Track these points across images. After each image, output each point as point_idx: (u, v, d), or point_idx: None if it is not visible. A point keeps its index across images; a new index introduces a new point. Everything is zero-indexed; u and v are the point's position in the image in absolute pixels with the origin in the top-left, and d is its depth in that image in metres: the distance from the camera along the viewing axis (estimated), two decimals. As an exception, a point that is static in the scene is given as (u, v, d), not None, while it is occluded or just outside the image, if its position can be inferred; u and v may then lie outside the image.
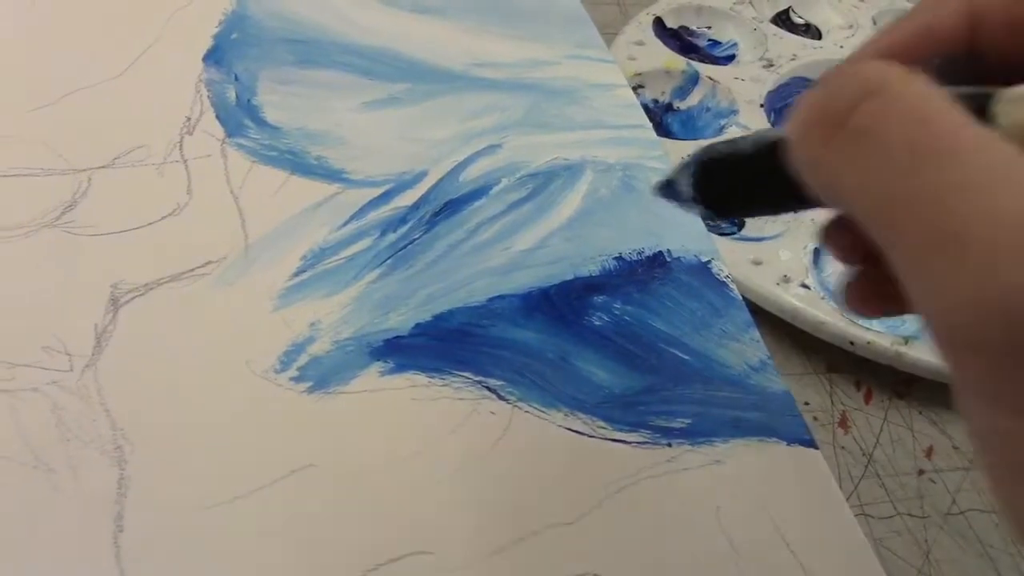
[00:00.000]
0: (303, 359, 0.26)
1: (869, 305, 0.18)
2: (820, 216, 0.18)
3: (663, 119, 0.39)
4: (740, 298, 0.30)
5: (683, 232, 0.31)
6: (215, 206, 0.29)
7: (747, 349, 0.28)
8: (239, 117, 0.32)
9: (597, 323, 0.28)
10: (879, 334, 0.29)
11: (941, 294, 0.12)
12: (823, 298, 0.30)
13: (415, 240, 0.29)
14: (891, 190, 0.13)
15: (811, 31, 0.45)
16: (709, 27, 0.44)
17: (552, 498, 0.24)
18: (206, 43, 0.35)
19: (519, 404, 0.26)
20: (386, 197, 0.30)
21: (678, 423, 0.26)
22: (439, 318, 0.27)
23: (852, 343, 0.29)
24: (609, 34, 0.41)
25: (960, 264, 0.12)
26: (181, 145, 0.31)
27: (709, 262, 0.30)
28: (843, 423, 0.29)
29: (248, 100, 0.33)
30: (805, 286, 0.31)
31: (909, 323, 0.30)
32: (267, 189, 0.30)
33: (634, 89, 0.37)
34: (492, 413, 0.25)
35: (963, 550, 0.26)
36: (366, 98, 0.34)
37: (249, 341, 0.26)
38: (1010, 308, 0.11)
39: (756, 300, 0.30)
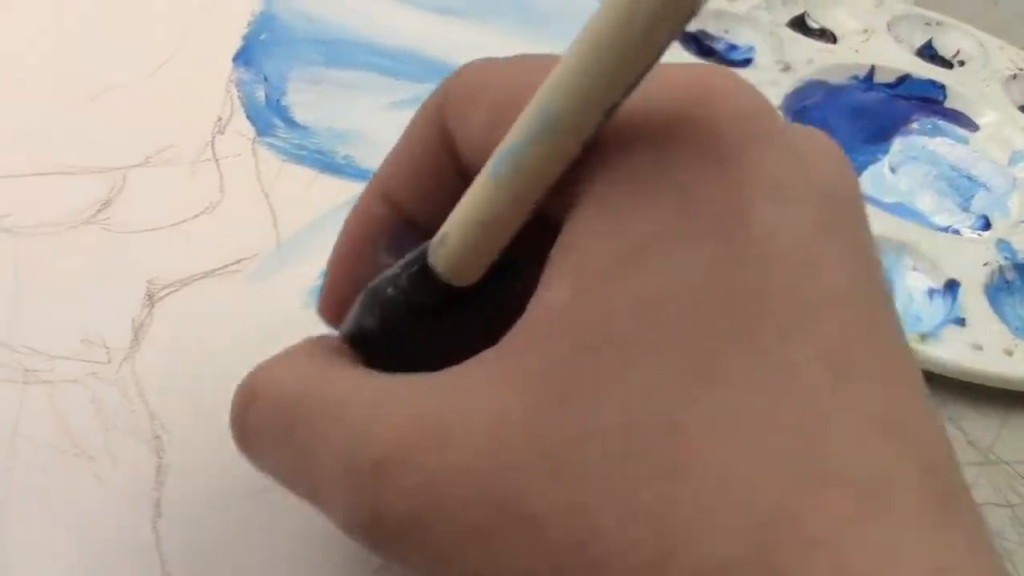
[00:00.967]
0: (334, 353, 0.26)
1: None
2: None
3: (682, 121, 0.39)
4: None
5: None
6: (246, 204, 0.30)
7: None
8: (269, 117, 0.33)
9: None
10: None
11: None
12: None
13: (441, 238, 0.30)
14: (288, 468, 0.18)
15: (826, 36, 0.45)
16: (727, 31, 0.44)
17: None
18: (235, 44, 0.36)
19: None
20: (412, 196, 0.31)
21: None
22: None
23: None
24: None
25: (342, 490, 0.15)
26: (213, 144, 0.32)
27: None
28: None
29: (277, 100, 0.34)
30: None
31: (925, 321, 0.31)
32: (297, 188, 0.31)
33: (654, 92, 0.38)
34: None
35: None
36: (392, 98, 0.35)
37: (280, 335, 0.27)
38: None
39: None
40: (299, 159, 0.32)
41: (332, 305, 0.21)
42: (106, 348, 0.26)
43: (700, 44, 0.44)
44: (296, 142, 0.32)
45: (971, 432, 0.29)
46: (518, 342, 0.15)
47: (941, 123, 0.42)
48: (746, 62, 0.43)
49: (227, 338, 0.26)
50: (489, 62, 0.18)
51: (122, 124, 0.32)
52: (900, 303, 0.32)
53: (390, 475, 0.14)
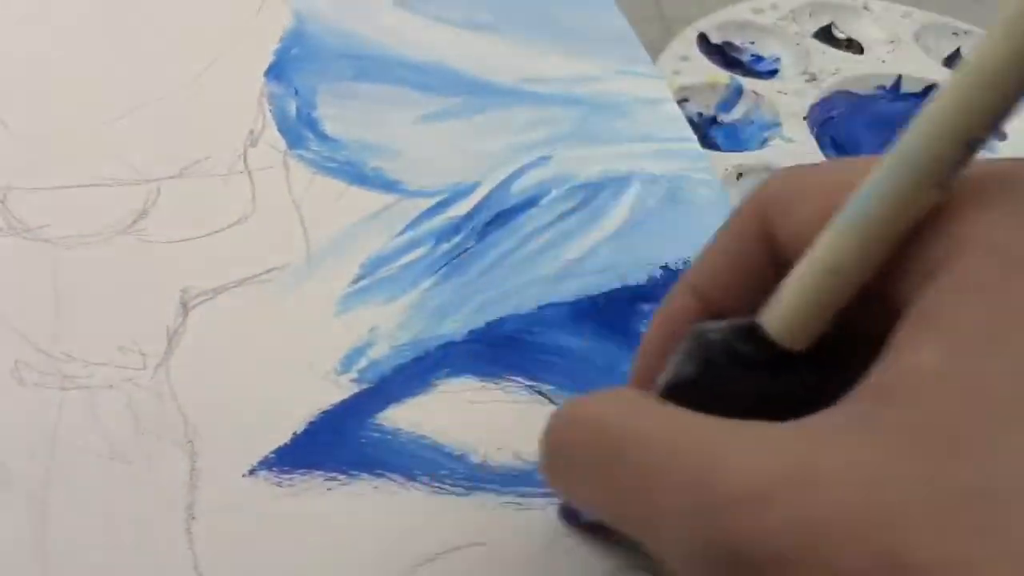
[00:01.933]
0: (363, 362, 0.27)
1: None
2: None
3: (708, 132, 0.40)
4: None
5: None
6: (278, 215, 0.31)
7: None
8: (299, 130, 0.34)
9: (645, 331, 0.29)
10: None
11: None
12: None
13: (468, 249, 0.30)
14: (609, 497, 0.17)
15: (853, 46, 0.45)
16: (752, 42, 0.45)
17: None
18: (267, 59, 0.36)
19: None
20: (440, 207, 0.32)
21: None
22: (492, 325, 0.28)
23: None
24: (653, 51, 0.41)
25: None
26: (245, 156, 0.32)
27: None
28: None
29: (308, 113, 0.34)
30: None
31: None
32: (327, 199, 0.31)
33: (679, 103, 0.38)
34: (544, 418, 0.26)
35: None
36: (421, 111, 0.35)
37: (311, 344, 0.27)
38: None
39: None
40: (329, 171, 0.32)
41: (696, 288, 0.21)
42: (142, 355, 0.26)
43: (726, 55, 0.44)
44: (326, 154, 0.33)
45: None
46: (885, 399, 0.15)
47: (969, 133, 0.41)
48: (772, 73, 0.43)
49: (258, 346, 0.27)
50: (810, 164, 0.19)
51: (157, 137, 0.33)
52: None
53: (751, 513, 0.14)
